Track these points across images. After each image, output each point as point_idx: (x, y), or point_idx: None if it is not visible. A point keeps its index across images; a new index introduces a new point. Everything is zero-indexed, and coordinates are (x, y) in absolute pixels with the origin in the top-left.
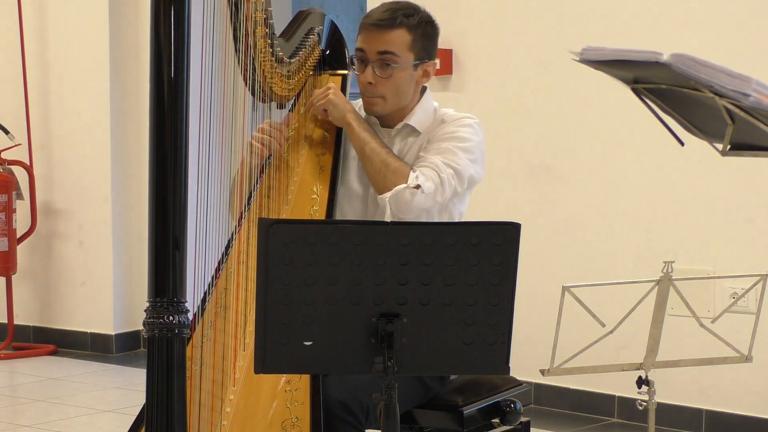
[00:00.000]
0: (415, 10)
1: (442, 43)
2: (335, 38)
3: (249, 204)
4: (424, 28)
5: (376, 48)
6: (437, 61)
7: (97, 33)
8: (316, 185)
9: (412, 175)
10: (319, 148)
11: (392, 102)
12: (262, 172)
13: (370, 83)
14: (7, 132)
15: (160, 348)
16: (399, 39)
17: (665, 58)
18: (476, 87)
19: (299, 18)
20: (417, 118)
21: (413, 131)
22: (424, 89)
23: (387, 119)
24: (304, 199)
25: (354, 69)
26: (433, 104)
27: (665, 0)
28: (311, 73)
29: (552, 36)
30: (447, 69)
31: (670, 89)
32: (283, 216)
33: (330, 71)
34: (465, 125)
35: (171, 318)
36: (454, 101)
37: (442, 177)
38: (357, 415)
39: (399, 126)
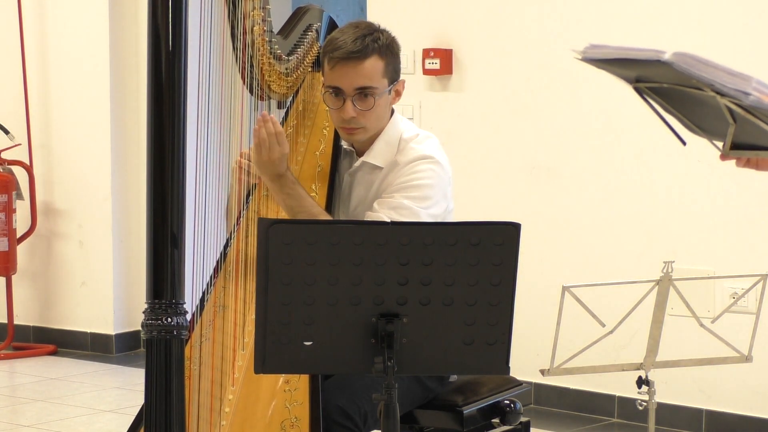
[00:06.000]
0: (377, 30)
1: (442, 43)
2: None
3: (247, 203)
4: (391, 49)
5: (354, 84)
6: (404, 78)
7: (97, 33)
8: (315, 183)
9: None
10: (317, 146)
11: (373, 129)
12: None
13: (352, 117)
14: (7, 132)
15: (159, 350)
16: (374, 69)
17: (667, 56)
18: (476, 87)
19: (297, 14)
20: (377, 151)
21: (374, 168)
22: (392, 111)
23: (360, 143)
24: None
25: (328, 106)
26: (399, 131)
27: (666, 0)
28: (310, 69)
29: (552, 36)
30: (447, 69)
31: (672, 88)
32: (282, 214)
33: None
34: (420, 169)
35: (169, 320)
36: (454, 101)
37: None
38: (355, 421)
39: (357, 164)
